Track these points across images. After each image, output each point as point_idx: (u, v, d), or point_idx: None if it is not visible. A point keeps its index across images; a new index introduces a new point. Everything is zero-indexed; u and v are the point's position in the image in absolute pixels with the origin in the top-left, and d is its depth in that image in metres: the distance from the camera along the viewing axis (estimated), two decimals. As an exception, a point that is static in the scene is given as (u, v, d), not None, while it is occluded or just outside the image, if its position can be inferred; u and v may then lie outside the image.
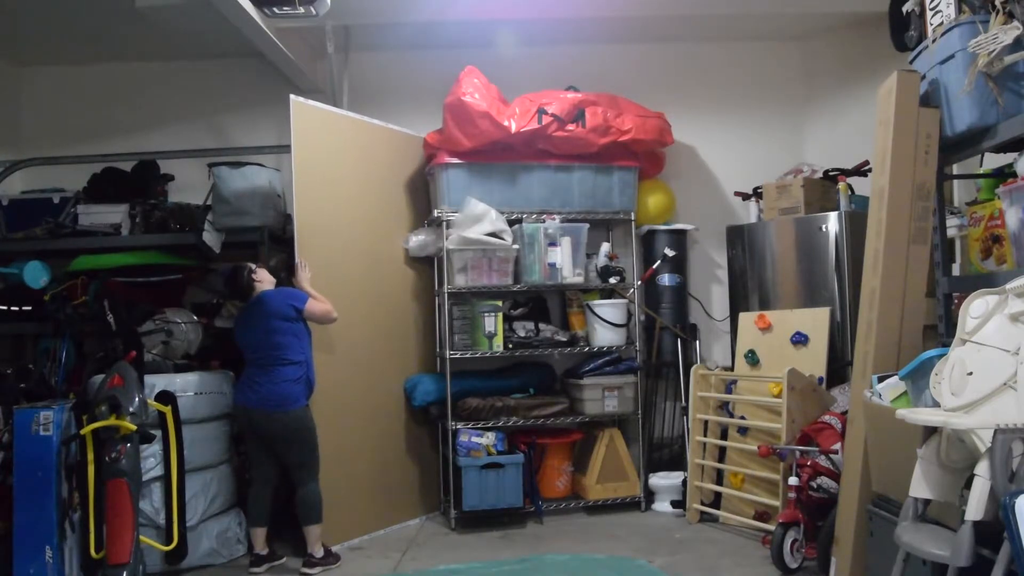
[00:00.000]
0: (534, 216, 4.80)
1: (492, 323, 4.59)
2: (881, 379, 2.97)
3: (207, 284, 5.14)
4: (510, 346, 4.69)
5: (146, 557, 3.60)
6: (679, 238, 5.24)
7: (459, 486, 4.51)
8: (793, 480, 3.67)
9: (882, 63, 3.69)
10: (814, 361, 4.32)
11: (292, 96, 4.20)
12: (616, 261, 4.94)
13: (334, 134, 4.44)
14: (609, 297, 5.00)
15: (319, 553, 3.89)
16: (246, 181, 4.58)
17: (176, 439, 3.86)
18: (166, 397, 3.88)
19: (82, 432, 3.61)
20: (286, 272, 4.65)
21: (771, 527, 3.79)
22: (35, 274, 4.42)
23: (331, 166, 4.40)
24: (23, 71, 5.43)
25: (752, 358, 4.60)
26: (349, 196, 4.48)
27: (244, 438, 4.12)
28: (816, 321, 4.40)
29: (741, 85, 5.55)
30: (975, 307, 2.46)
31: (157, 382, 3.93)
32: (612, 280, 4.86)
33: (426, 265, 4.95)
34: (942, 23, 3.02)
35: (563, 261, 4.72)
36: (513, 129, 4.55)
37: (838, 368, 4.34)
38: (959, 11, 2.95)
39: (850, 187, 4.57)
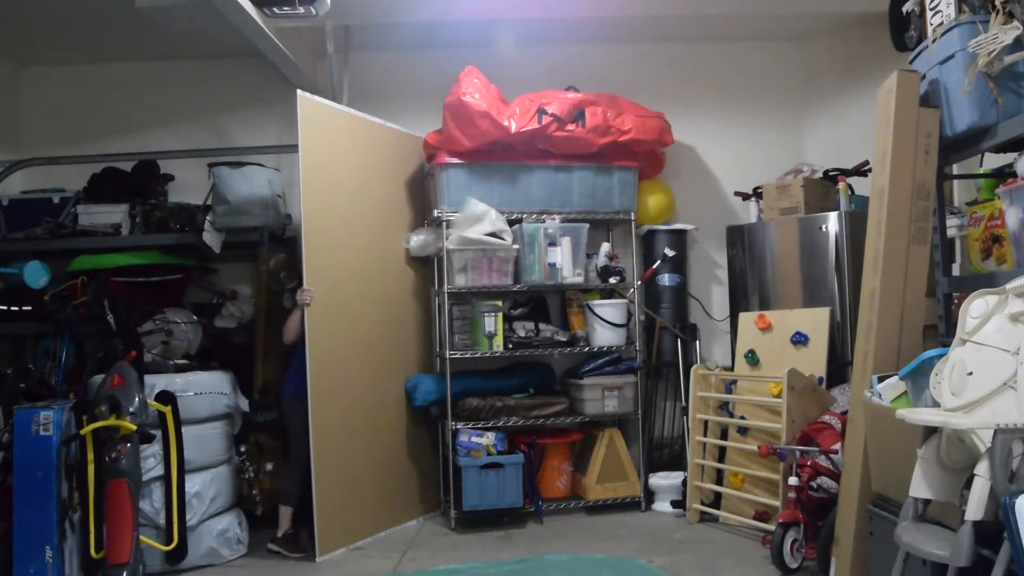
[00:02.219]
0: (534, 216, 4.80)
1: (492, 323, 4.59)
2: (881, 379, 2.97)
3: (207, 284, 5.14)
4: (510, 346, 4.69)
5: (146, 557, 3.61)
6: (679, 238, 5.24)
7: (459, 486, 4.51)
8: (793, 480, 3.67)
9: (882, 63, 3.68)
10: (814, 361, 4.32)
11: (299, 92, 4.17)
12: (616, 261, 4.94)
13: (338, 131, 4.43)
14: (609, 297, 5.00)
15: None
16: (246, 181, 4.58)
17: (176, 439, 3.86)
18: (166, 397, 3.88)
19: (82, 432, 3.61)
20: (286, 273, 4.66)
21: (771, 527, 3.79)
22: (35, 274, 4.42)
23: (335, 164, 4.39)
24: (23, 71, 5.43)
25: (752, 358, 4.60)
26: (352, 193, 4.48)
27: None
28: (816, 321, 4.40)
29: (741, 85, 5.55)
30: (975, 307, 2.45)
31: (157, 382, 3.92)
32: (612, 280, 4.85)
33: (426, 265, 4.95)
34: (942, 23, 3.02)
35: (563, 261, 4.72)
36: (513, 129, 4.55)
37: (838, 368, 4.34)
38: (959, 11, 2.95)
39: (850, 187, 4.57)
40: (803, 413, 3.97)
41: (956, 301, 3.19)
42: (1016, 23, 2.65)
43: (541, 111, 4.61)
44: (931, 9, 3.11)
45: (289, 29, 4.56)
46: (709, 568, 3.73)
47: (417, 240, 4.77)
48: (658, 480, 4.82)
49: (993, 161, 3.53)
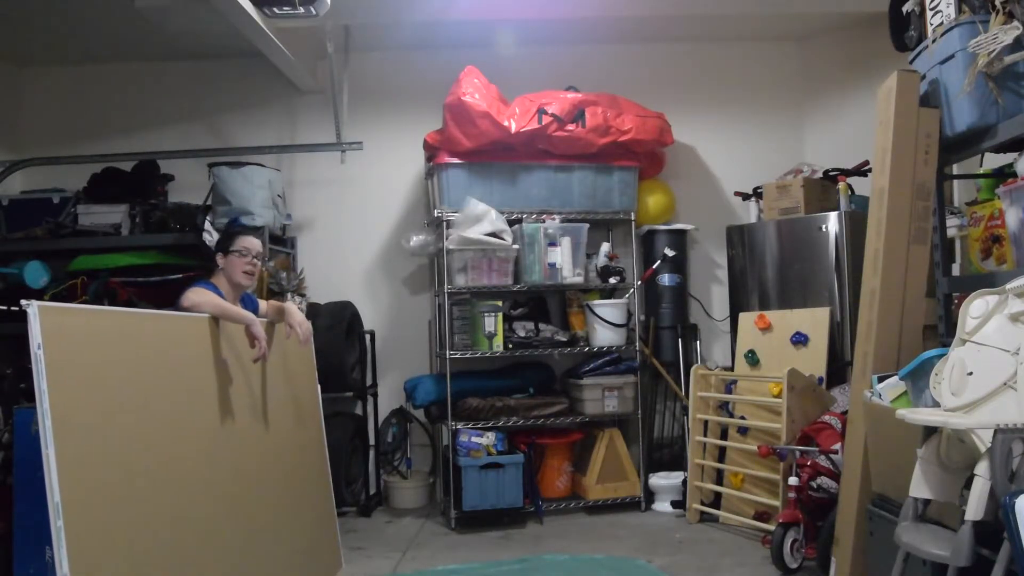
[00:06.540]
0: (534, 216, 4.80)
1: (492, 323, 4.59)
2: (881, 379, 2.97)
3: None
4: (510, 346, 4.69)
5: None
6: (679, 238, 5.23)
7: (459, 486, 4.51)
8: (793, 480, 3.67)
9: (882, 63, 3.69)
10: (814, 361, 4.32)
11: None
12: (616, 261, 4.94)
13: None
14: (609, 297, 5.00)
15: None
16: (246, 181, 4.58)
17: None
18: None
19: (82, 432, 3.60)
20: (286, 273, 4.66)
21: (771, 527, 3.79)
22: (35, 274, 4.41)
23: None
24: (23, 71, 5.43)
25: (752, 358, 4.60)
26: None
27: None
28: (816, 321, 4.40)
29: (741, 85, 5.55)
30: (975, 307, 2.45)
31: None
32: (612, 280, 4.85)
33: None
34: (942, 23, 3.02)
35: (563, 261, 4.72)
36: (513, 129, 4.55)
37: (838, 368, 4.34)
38: (959, 11, 2.94)
39: (850, 187, 4.57)
40: (803, 413, 3.97)
41: (956, 301, 3.19)
42: (1016, 23, 2.65)
43: (541, 111, 4.61)
44: (931, 9, 3.11)
45: (289, 29, 4.56)
46: (709, 568, 3.73)
47: (417, 240, 4.77)
48: (658, 480, 4.81)
49: (993, 161, 3.53)
